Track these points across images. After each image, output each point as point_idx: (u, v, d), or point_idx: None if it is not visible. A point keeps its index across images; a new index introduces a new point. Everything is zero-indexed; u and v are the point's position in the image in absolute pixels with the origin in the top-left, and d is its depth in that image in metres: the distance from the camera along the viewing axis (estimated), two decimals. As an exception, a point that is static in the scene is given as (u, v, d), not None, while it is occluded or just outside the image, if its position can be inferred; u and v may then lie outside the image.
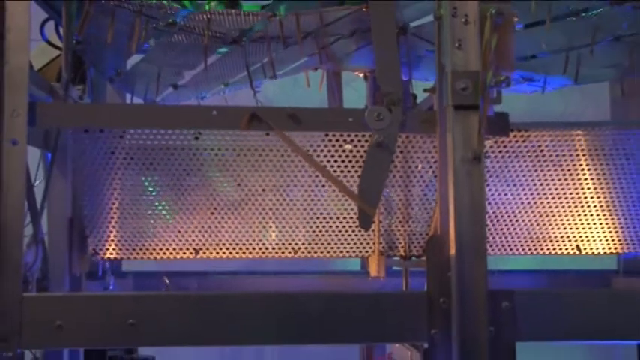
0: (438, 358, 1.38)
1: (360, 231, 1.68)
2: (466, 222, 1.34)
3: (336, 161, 1.59)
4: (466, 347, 1.33)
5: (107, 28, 1.59)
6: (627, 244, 1.74)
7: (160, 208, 1.66)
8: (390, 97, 1.40)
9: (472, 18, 1.35)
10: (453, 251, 1.34)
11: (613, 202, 1.71)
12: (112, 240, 1.69)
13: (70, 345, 1.52)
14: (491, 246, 1.71)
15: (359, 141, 1.56)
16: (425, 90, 1.62)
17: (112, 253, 1.70)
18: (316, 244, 1.70)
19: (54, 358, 1.76)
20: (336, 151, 1.58)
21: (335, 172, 1.59)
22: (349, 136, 1.55)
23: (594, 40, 1.78)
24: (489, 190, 1.65)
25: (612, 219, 1.72)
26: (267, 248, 1.70)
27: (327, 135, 1.55)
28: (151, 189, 1.63)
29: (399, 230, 1.72)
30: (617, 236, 1.74)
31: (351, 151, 1.58)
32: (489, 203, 1.66)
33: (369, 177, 1.42)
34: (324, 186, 1.62)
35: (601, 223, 1.72)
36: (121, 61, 1.91)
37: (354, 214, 1.61)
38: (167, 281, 2.04)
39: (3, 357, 1.34)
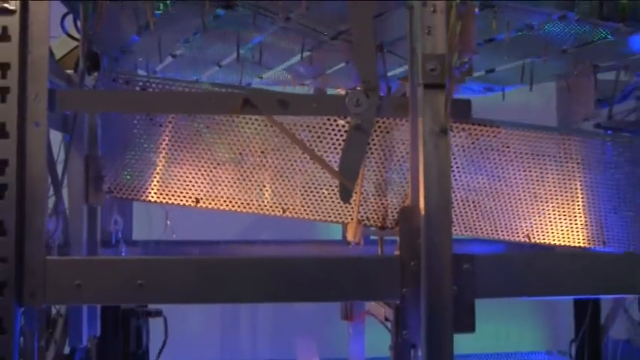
0: (409, 313, 1.40)
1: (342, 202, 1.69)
2: (434, 192, 1.35)
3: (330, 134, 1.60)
4: (432, 304, 1.35)
5: (113, 12, 1.57)
6: (571, 238, 1.75)
7: (168, 158, 1.65)
8: (367, 84, 1.40)
9: (440, 7, 1.36)
10: (422, 220, 1.36)
11: (564, 200, 1.72)
12: (124, 182, 1.68)
13: (87, 302, 1.53)
14: (453, 226, 1.72)
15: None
16: (399, 78, 1.63)
17: (123, 194, 1.69)
18: (303, 206, 1.69)
19: (75, 312, 1.77)
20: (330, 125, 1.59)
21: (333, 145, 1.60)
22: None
23: (545, 52, 1.82)
24: (455, 177, 1.66)
25: (561, 214, 1.73)
26: (259, 205, 1.68)
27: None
28: (160, 140, 1.64)
29: (376, 203, 1.72)
30: (564, 230, 1.75)
31: (343, 126, 1.58)
32: (454, 189, 1.67)
33: (348, 155, 1.43)
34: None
35: (550, 218, 1.73)
36: (125, 40, 1.90)
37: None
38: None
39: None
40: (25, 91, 1.34)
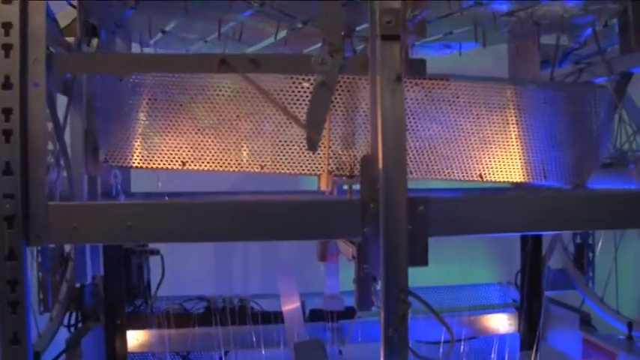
0: (369, 250, 1.36)
1: (313, 155, 1.64)
2: (391, 140, 1.30)
3: (296, 96, 1.55)
4: (390, 241, 1.31)
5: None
6: (518, 175, 1.71)
7: (155, 127, 1.61)
8: (332, 45, 1.34)
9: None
10: (380, 166, 1.31)
11: (511, 141, 1.68)
12: (119, 151, 1.64)
13: (83, 241, 1.49)
14: (412, 172, 1.68)
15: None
16: (360, 37, 1.57)
17: (118, 162, 1.64)
18: (278, 162, 1.65)
19: (79, 253, 1.73)
20: (297, 87, 1.54)
21: (297, 103, 1.55)
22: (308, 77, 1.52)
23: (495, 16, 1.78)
24: (413, 125, 1.61)
25: (508, 156, 1.69)
26: (239, 164, 1.64)
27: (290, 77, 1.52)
28: (146, 111, 1.59)
29: (344, 154, 1.67)
30: (511, 169, 1.71)
31: (308, 88, 1.53)
32: (413, 137, 1.62)
33: (314, 109, 1.37)
34: (284, 117, 1.57)
35: (499, 159, 1.69)
36: (118, 14, 1.82)
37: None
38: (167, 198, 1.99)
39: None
40: (26, 54, 1.29)
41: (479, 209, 1.43)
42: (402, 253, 1.31)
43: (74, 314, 2.00)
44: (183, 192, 2.08)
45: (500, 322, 2.44)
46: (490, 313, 2.47)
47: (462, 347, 2.34)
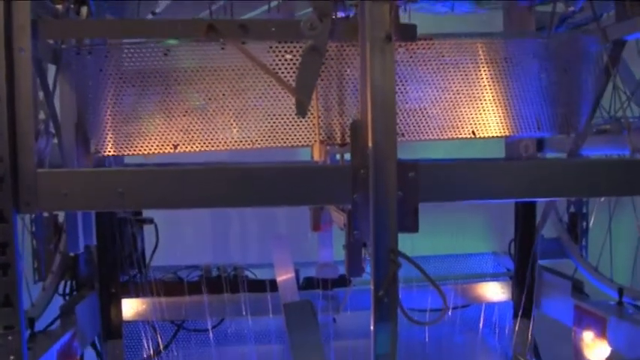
0: (359, 216, 1.36)
1: (304, 125, 1.63)
2: (380, 103, 1.28)
3: (280, 68, 1.52)
4: (379, 207, 1.30)
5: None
6: (511, 129, 1.70)
7: (143, 113, 1.58)
8: (321, 9, 1.32)
9: None
10: (369, 132, 1.30)
11: (501, 96, 1.66)
12: (109, 141, 1.60)
13: (73, 208, 1.48)
14: (404, 134, 1.66)
15: (297, 51, 1.49)
16: (349, 3, 1.54)
17: (109, 151, 1.61)
18: (269, 136, 1.63)
19: (71, 222, 1.72)
20: (280, 60, 1.51)
21: (281, 74, 1.51)
22: (289, 47, 1.49)
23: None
24: (401, 88, 1.59)
25: (500, 110, 1.68)
26: (229, 142, 1.62)
27: (270, 47, 1.49)
28: (134, 98, 1.56)
29: (335, 123, 1.66)
30: (504, 123, 1.69)
31: (291, 60, 1.50)
32: (402, 100, 1.60)
33: (304, 74, 1.35)
34: (273, 90, 1.56)
35: (491, 114, 1.67)
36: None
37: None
38: None
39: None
40: (10, 20, 1.28)
41: (470, 175, 1.42)
42: (391, 219, 1.30)
43: (69, 283, 2.01)
44: (176, 162, 2.07)
45: (494, 291, 2.45)
46: (483, 281, 2.48)
47: (449, 313, 2.35)
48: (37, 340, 1.61)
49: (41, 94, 1.61)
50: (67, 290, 2.00)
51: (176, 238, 2.68)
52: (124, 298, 2.06)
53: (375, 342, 1.28)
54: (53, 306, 1.89)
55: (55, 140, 1.66)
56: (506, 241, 2.48)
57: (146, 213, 2.17)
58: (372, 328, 1.29)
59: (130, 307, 2.14)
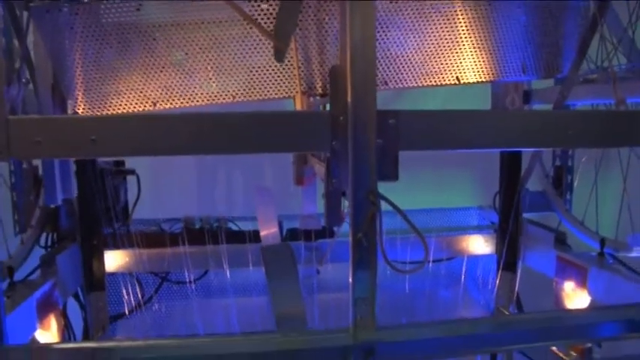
0: (338, 164, 1.33)
1: (284, 77, 1.60)
2: (360, 48, 1.24)
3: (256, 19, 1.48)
4: (358, 155, 1.27)
5: None
6: (495, 73, 1.67)
7: (120, 71, 1.54)
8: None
9: None
10: (348, 77, 1.26)
11: (484, 40, 1.62)
12: (87, 100, 1.57)
13: (46, 156, 1.45)
14: (387, 82, 1.63)
15: (274, 0, 1.46)
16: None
17: (87, 110, 1.58)
18: (250, 89, 1.61)
19: (48, 173, 1.70)
20: (256, 10, 1.47)
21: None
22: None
23: None
24: (382, 35, 1.56)
25: (484, 55, 1.64)
26: (210, 96, 1.60)
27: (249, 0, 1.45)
28: (110, 56, 1.52)
29: (316, 74, 1.63)
30: (488, 68, 1.67)
31: (267, 9, 1.47)
32: (383, 47, 1.57)
33: (282, 19, 1.31)
34: (251, 42, 1.52)
35: (475, 59, 1.64)
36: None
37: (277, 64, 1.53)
38: None
39: None
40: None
41: (453, 124, 1.39)
42: (371, 164, 1.28)
43: (51, 236, 2.00)
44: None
45: (478, 243, 2.46)
46: (467, 234, 2.48)
47: (430, 265, 2.36)
48: (17, 289, 1.60)
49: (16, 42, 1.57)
50: (49, 243, 1.99)
51: (162, 191, 2.66)
52: (106, 250, 2.05)
53: (354, 286, 1.27)
54: (35, 260, 1.88)
55: (31, 86, 1.62)
56: (492, 198, 2.47)
57: (134, 165, 2.14)
58: (350, 271, 1.28)
59: (113, 259, 2.13)
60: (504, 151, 2.16)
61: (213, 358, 1.28)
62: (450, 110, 1.38)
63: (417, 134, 1.37)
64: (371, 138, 1.28)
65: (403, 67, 1.61)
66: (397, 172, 1.35)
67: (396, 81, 1.61)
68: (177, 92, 1.58)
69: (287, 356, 1.29)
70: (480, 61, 1.62)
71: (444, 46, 1.59)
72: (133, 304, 2.21)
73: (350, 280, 1.28)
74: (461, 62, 1.61)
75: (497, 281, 2.33)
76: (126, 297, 2.18)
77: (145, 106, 1.59)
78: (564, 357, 1.83)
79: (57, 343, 1.66)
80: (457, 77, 1.62)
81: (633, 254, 1.84)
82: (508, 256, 2.29)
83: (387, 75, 1.59)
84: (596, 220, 2.14)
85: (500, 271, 2.33)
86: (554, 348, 1.87)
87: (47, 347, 1.34)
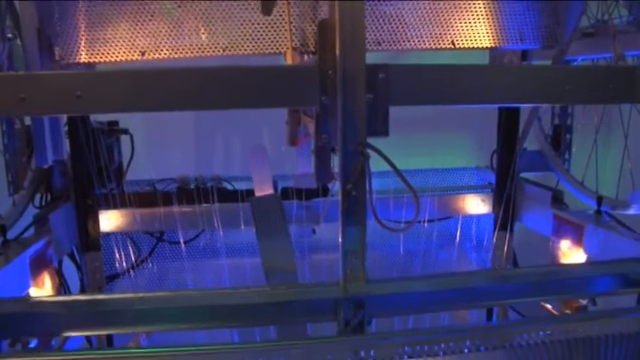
0: (328, 119, 1.31)
1: (276, 32, 1.57)
2: (348, 3, 1.21)
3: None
4: (347, 110, 1.25)
5: None
6: (492, 40, 1.63)
7: (107, 17, 1.52)
8: None
9: None
10: (337, 31, 1.23)
11: (481, 5, 1.59)
12: (74, 48, 1.55)
13: (32, 113, 1.42)
14: (380, 43, 1.60)
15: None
16: None
17: (75, 58, 1.56)
18: (240, 43, 1.58)
19: (38, 134, 1.67)
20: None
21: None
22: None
23: None
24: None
25: (480, 21, 1.61)
26: (199, 48, 1.57)
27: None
28: (97, 2, 1.50)
29: (307, 29, 1.60)
30: (485, 34, 1.63)
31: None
32: (377, 6, 1.53)
33: (268, -31, 1.28)
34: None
35: (471, 24, 1.61)
36: None
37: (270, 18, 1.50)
38: None
39: None
40: None
41: (446, 78, 1.37)
42: (360, 118, 1.26)
43: (45, 197, 1.99)
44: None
45: (475, 203, 2.44)
46: (464, 193, 2.46)
47: (426, 225, 2.35)
48: (10, 246, 1.60)
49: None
50: (43, 203, 1.99)
51: (157, 152, 2.65)
52: (100, 210, 2.04)
53: (344, 238, 1.26)
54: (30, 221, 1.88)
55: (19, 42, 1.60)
56: (489, 161, 2.45)
57: (128, 125, 2.12)
58: (339, 224, 1.27)
59: (107, 220, 2.13)
60: (501, 106, 2.12)
61: (203, 309, 1.28)
62: (443, 64, 1.35)
63: (409, 89, 1.34)
64: (360, 92, 1.26)
65: (397, 28, 1.58)
66: (387, 127, 1.33)
67: (389, 42, 1.58)
68: (166, 42, 1.56)
69: (276, 308, 1.29)
70: (476, 27, 1.59)
71: (440, 8, 1.56)
72: (128, 265, 2.22)
73: (339, 232, 1.27)
74: (457, 26, 1.58)
75: (494, 240, 2.32)
76: (119, 257, 2.19)
77: (133, 56, 1.56)
78: (558, 315, 1.83)
79: (49, 295, 1.67)
80: (452, 41, 1.59)
81: (631, 211, 1.83)
82: (505, 215, 2.28)
83: (380, 36, 1.56)
84: (596, 182, 2.12)
85: (496, 231, 2.32)
86: (548, 306, 1.87)
87: (39, 300, 1.34)
